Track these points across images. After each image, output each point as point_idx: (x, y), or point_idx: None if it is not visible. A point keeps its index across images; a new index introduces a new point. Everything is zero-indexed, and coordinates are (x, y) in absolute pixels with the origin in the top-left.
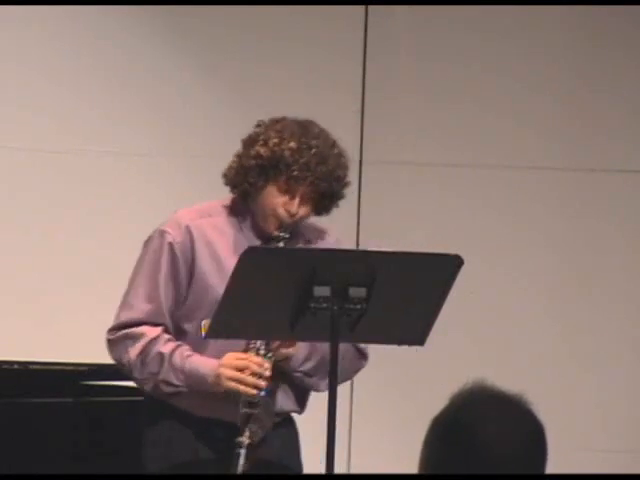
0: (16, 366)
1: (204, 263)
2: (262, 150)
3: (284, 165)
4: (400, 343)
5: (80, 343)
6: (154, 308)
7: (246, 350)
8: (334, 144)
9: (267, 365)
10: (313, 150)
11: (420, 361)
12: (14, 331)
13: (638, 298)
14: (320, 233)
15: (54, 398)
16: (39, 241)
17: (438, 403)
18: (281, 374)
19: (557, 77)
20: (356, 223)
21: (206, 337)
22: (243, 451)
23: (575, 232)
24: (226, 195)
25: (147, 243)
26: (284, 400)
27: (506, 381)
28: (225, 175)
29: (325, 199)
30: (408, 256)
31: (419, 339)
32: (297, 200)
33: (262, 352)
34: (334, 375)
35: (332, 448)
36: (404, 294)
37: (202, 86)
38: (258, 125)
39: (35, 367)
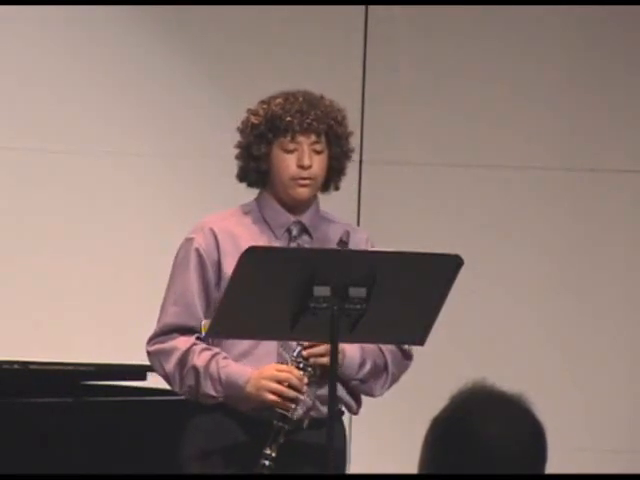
0: (16, 366)
1: (231, 260)
2: (254, 119)
3: (278, 119)
4: (400, 343)
5: (80, 343)
6: (186, 310)
7: (283, 362)
8: (321, 95)
9: (305, 380)
10: (300, 99)
11: (420, 361)
12: (14, 331)
13: (638, 297)
14: (344, 227)
15: (54, 398)
16: (39, 241)
17: (438, 403)
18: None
19: (557, 77)
20: (356, 223)
21: (206, 337)
22: (268, 463)
23: (575, 232)
24: (228, 196)
25: (177, 253)
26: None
27: (506, 381)
28: (238, 174)
29: (332, 145)
30: (408, 256)
31: (419, 339)
32: (306, 150)
33: (301, 365)
34: (334, 375)
35: (332, 448)
36: (404, 294)
37: (201, 87)
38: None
39: (35, 367)
